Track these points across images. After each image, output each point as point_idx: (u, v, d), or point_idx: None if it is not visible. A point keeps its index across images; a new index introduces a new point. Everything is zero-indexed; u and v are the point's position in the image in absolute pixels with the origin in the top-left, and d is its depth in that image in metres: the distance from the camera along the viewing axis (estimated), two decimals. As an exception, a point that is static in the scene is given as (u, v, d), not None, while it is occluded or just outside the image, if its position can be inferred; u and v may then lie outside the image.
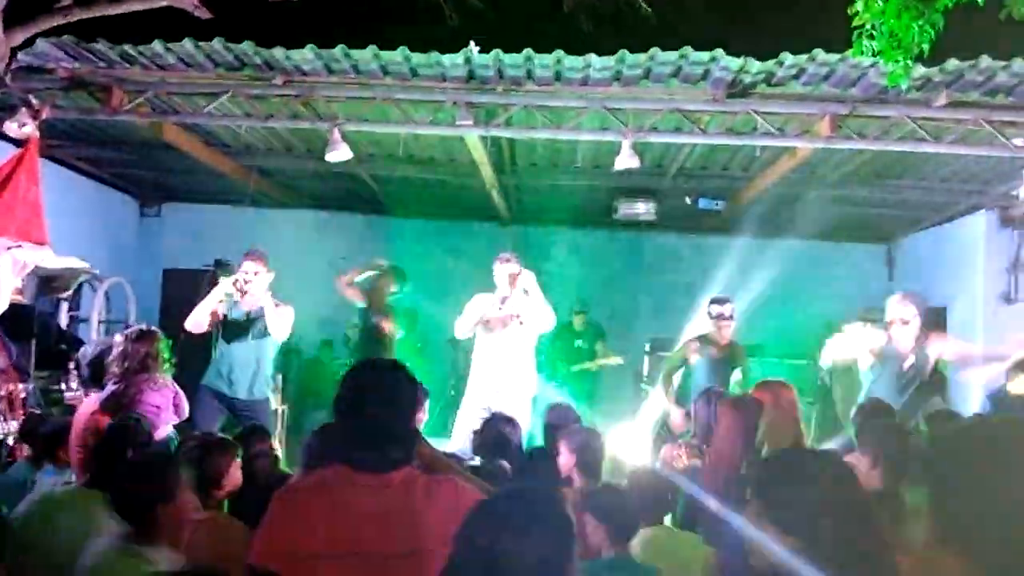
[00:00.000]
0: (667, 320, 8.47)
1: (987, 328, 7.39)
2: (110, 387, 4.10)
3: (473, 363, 5.71)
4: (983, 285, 7.49)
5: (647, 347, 8.53)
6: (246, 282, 5.27)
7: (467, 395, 5.67)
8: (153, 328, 4.37)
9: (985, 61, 4.70)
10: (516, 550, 1.60)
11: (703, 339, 5.96)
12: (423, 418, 3.95)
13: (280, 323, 5.33)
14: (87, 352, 4.64)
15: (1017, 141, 5.35)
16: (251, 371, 5.28)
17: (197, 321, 5.24)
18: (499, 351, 5.52)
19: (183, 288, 6.38)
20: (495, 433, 3.93)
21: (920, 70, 4.68)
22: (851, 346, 5.17)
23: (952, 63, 4.73)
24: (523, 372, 5.55)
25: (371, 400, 2.08)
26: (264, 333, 5.33)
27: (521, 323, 5.49)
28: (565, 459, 3.72)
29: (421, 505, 1.97)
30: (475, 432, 4.27)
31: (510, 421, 4.09)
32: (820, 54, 4.77)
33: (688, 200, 7.82)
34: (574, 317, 8.45)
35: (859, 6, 3.78)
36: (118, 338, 4.28)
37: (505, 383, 5.44)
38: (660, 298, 9.50)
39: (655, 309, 9.55)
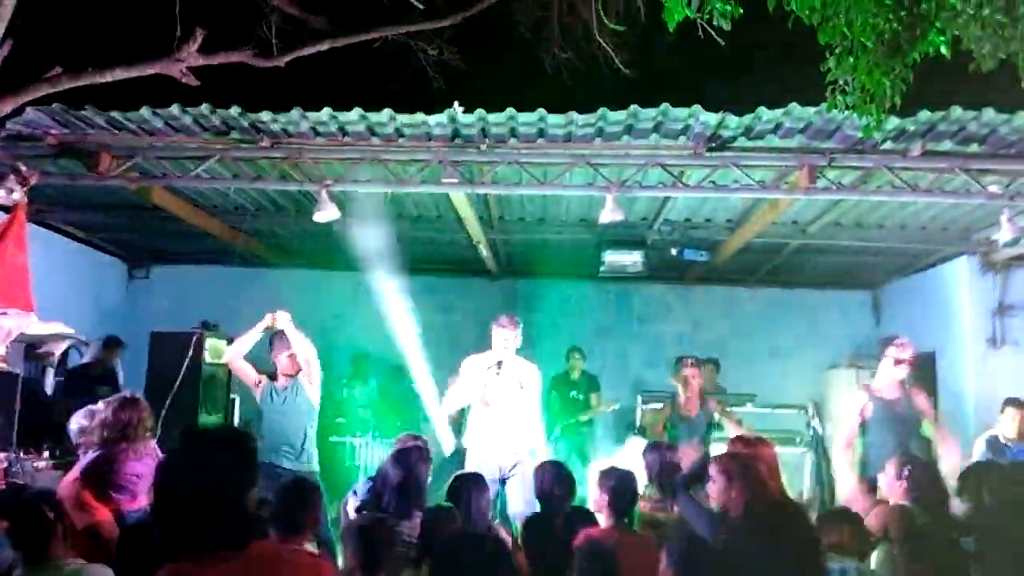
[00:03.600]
0: (657, 371, 8.48)
1: (976, 373, 7.41)
2: (90, 455, 4.04)
3: (471, 432, 5.56)
4: (969, 330, 7.53)
5: (639, 399, 8.51)
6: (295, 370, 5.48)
7: (473, 455, 5.47)
8: (136, 396, 4.32)
9: (956, 112, 4.82)
10: None
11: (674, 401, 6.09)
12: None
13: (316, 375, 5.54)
14: (74, 421, 4.59)
15: (993, 188, 5.45)
16: (300, 439, 5.37)
17: (239, 349, 5.53)
18: (501, 420, 5.39)
19: (170, 350, 6.34)
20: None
21: (894, 122, 4.80)
22: (848, 419, 5.30)
23: (924, 114, 4.84)
24: (528, 437, 5.44)
25: (179, 478, 1.90)
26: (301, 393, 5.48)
27: (522, 387, 5.42)
28: (597, 497, 3.78)
29: None
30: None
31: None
32: (796, 108, 4.88)
33: (674, 252, 7.88)
34: (572, 362, 8.42)
35: (831, 63, 3.87)
36: (100, 405, 4.22)
37: (511, 451, 5.33)
38: (650, 349, 9.52)
39: (646, 360, 9.57)
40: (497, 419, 5.42)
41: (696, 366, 6.00)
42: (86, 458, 4.04)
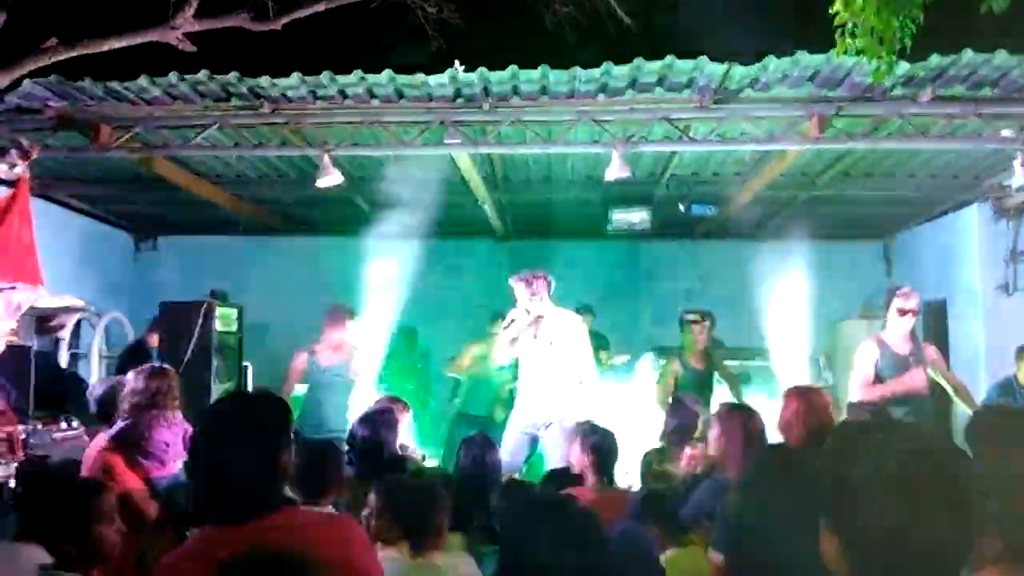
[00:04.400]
0: (668, 328, 8.45)
1: (988, 320, 7.38)
2: (120, 423, 4.09)
3: (519, 382, 5.71)
4: (981, 277, 7.47)
5: (651, 356, 8.51)
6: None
7: (513, 414, 5.65)
8: (165, 366, 4.36)
9: (967, 55, 4.71)
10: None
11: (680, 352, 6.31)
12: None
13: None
14: (95, 390, 4.63)
15: (1005, 132, 5.35)
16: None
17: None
18: (533, 377, 5.51)
19: (180, 321, 6.36)
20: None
21: (904, 67, 4.69)
22: (861, 368, 5.29)
23: (935, 59, 4.74)
24: (567, 391, 5.47)
25: (216, 443, 1.89)
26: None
27: (551, 343, 5.46)
28: (578, 458, 3.75)
29: (302, 544, 1.79)
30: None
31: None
32: (804, 57, 4.78)
33: (681, 207, 7.82)
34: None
35: (838, 6, 3.78)
36: (131, 375, 4.27)
37: (550, 403, 5.42)
38: (660, 306, 9.49)
39: (655, 317, 9.54)
40: (529, 376, 5.52)
41: (701, 321, 6.24)
42: (115, 427, 4.09)
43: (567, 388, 5.46)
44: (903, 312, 5.20)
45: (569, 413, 5.35)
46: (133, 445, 3.99)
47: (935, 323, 8.34)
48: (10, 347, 5.02)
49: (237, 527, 1.82)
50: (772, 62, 4.86)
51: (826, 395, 4.15)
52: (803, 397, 3.81)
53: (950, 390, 5.29)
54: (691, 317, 6.28)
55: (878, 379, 5.19)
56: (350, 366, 5.86)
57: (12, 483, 4.58)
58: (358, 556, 1.89)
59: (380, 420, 4.07)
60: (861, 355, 5.31)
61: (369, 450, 3.94)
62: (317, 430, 5.60)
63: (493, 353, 5.73)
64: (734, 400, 5.99)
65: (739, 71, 4.94)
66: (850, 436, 1.24)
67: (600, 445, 3.77)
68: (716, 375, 6.39)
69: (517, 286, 5.53)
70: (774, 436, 3.86)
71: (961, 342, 7.80)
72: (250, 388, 7.15)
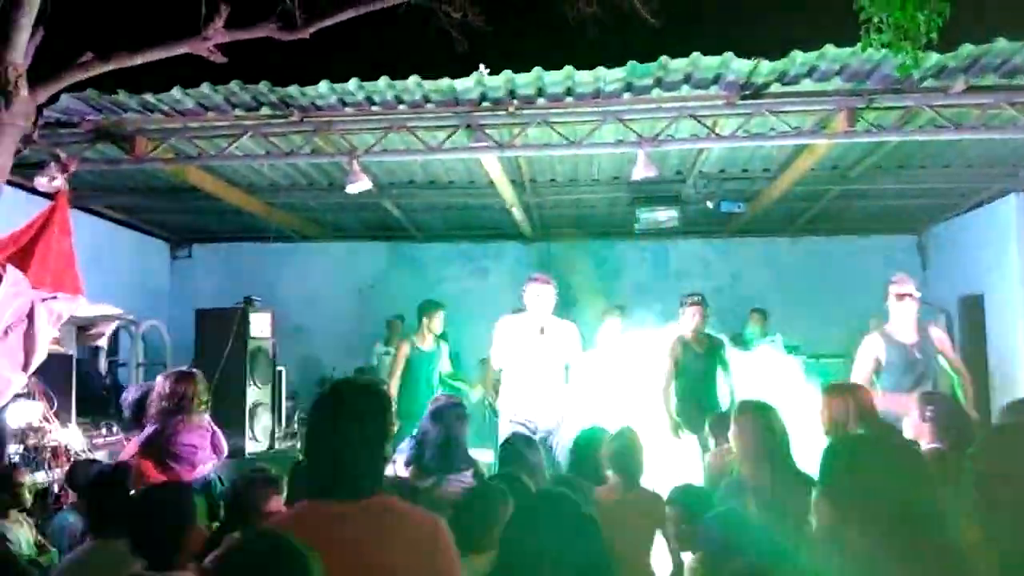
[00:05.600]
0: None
1: (1027, 313, 7.23)
2: (148, 428, 4.18)
3: (505, 395, 5.64)
4: (1019, 269, 7.33)
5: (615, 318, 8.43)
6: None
7: (501, 413, 5.66)
8: (192, 370, 4.45)
9: (1000, 44, 4.62)
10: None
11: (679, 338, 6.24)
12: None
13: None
14: (128, 396, 4.74)
15: (1041, 121, 5.24)
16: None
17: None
18: (540, 382, 5.49)
19: (216, 327, 6.47)
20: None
21: (934, 58, 4.62)
22: (862, 363, 5.25)
23: (967, 48, 4.65)
24: (555, 383, 5.53)
25: (339, 426, 2.01)
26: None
27: (559, 348, 5.49)
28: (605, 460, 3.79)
29: (392, 532, 1.93)
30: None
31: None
32: (831, 50, 4.72)
33: (710, 204, 7.76)
34: (608, 319, 8.39)
35: (864, 1, 3.75)
36: (159, 379, 4.36)
37: (552, 413, 5.44)
38: (690, 304, 9.41)
39: (686, 316, 9.47)
40: (536, 381, 5.47)
41: (696, 304, 6.24)
42: (145, 431, 4.18)
43: (561, 391, 5.55)
44: (901, 296, 5.15)
45: (565, 416, 5.44)
46: (161, 449, 4.07)
47: (971, 317, 8.19)
48: (52, 356, 5.15)
49: (351, 504, 1.93)
50: (799, 56, 4.81)
51: (869, 390, 4.16)
52: (849, 394, 3.78)
53: (955, 379, 5.12)
54: (684, 299, 6.36)
55: (887, 370, 5.11)
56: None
57: (56, 488, 4.71)
58: (443, 553, 1.98)
59: (452, 414, 4.08)
60: (863, 349, 5.25)
61: (446, 444, 3.96)
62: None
63: (497, 357, 5.66)
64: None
65: (766, 66, 4.90)
66: (998, 435, 1.29)
67: (614, 449, 3.76)
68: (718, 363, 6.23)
69: (534, 287, 5.52)
70: (817, 435, 3.83)
71: (998, 336, 7.66)
72: (284, 392, 7.23)
